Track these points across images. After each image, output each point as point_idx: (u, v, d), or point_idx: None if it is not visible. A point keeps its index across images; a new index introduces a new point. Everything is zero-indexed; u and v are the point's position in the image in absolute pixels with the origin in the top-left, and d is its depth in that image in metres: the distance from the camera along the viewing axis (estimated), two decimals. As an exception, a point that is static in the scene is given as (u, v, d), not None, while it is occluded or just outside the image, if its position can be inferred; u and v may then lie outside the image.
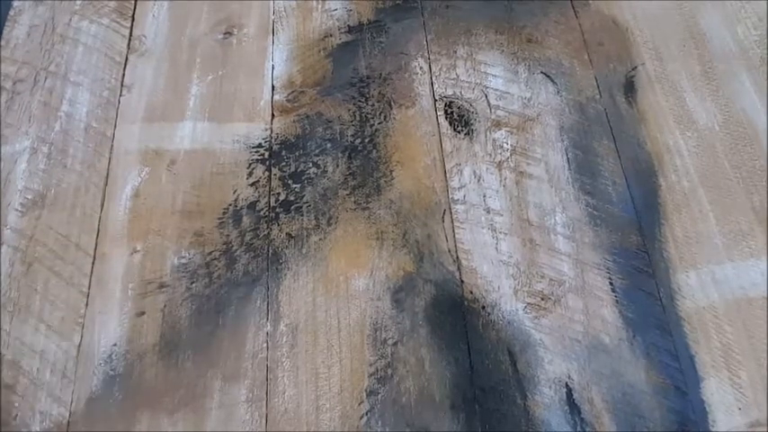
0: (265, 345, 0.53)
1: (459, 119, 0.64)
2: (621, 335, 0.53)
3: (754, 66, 0.66)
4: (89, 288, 0.55)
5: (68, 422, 0.50)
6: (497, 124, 0.63)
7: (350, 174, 0.61)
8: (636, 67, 0.66)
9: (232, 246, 0.57)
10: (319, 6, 0.71)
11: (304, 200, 0.60)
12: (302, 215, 0.59)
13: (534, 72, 0.66)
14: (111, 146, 0.63)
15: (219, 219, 0.59)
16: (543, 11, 0.70)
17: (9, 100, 0.65)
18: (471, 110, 0.64)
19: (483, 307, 0.54)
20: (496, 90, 0.65)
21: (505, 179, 0.60)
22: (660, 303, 0.54)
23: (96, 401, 0.51)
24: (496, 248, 0.57)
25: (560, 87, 0.65)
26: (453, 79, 0.66)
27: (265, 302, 0.55)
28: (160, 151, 0.62)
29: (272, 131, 0.63)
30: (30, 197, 0.60)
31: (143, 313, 0.54)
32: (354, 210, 0.59)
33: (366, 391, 0.51)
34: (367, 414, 0.50)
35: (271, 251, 0.57)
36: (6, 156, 0.62)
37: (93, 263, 0.57)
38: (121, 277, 0.56)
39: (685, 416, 0.50)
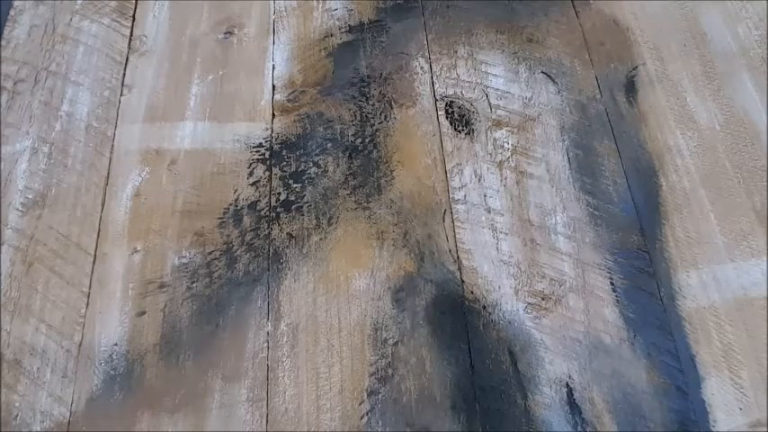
0: (266, 344, 0.53)
1: (459, 118, 0.63)
2: (622, 335, 0.53)
3: (755, 65, 0.66)
4: (89, 288, 0.55)
5: (69, 422, 0.50)
6: (498, 124, 0.63)
7: (350, 173, 0.61)
8: (637, 67, 0.66)
9: (233, 245, 0.57)
10: (320, 6, 0.71)
11: (305, 200, 0.60)
12: (303, 215, 0.59)
13: (535, 72, 0.66)
14: (112, 146, 0.63)
15: (220, 218, 0.59)
16: (544, 11, 0.70)
17: (10, 100, 0.65)
18: (472, 109, 0.64)
19: (484, 307, 0.54)
20: (497, 90, 0.65)
21: (506, 179, 0.60)
22: (661, 303, 0.54)
23: (97, 401, 0.51)
24: (497, 248, 0.57)
25: (561, 87, 0.65)
26: (454, 79, 0.66)
27: (266, 302, 0.55)
28: (161, 151, 0.62)
29: (272, 131, 0.63)
30: (30, 197, 0.60)
31: (144, 313, 0.54)
32: (355, 209, 0.59)
33: (367, 390, 0.51)
34: (368, 414, 0.50)
35: (271, 251, 0.57)
36: (7, 155, 0.62)
37: (93, 263, 0.57)
38: (122, 277, 0.56)
39: (686, 416, 0.50)
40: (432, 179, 0.60)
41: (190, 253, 0.57)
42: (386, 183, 0.60)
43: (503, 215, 0.58)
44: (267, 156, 0.62)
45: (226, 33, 0.69)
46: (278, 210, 0.59)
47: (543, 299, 0.55)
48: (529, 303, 0.54)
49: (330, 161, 0.61)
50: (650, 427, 0.50)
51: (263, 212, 0.59)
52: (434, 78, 0.66)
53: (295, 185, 0.60)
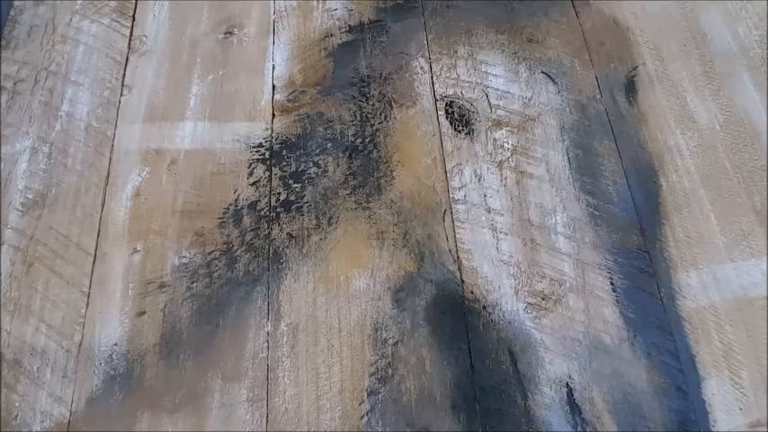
0: (266, 345, 0.53)
1: (459, 118, 0.63)
2: (622, 335, 0.53)
3: (755, 65, 0.66)
4: (89, 288, 0.55)
5: (69, 422, 0.50)
6: (498, 124, 0.63)
7: (350, 173, 0.61)
8: (637, 67, 0.66)
9: (233, 245, 0.57)
10: (320, 6, 0.71)
11: (305, 200, 0.60)
12: (303, 215, 0.59)
13: (535, 72, 0.66)
14: (112, 146, 0.62)
15: (220, 218, 0.59)
16: (544, 11, 0.70)
17: (10, 100, 0.65)
18: (472, 109, 0.64)
19: (484, 307, 0.54)
20: (497, 90, 0.65)
21: (506, 179, 0.60)
22: (661, 303, 0.54)
23: (97, 401, 0.51)
24: (497, 248, 0.57)
25: (561, 87, 0.65)
26: (454, 79, 0.66)
27: (266, 302, 0.55)
28: (161, 151, 0.62)
29: (272, 131, 0.63)
30: (30, 197, 0.60)
31: (143, 313, 0.54)
32: (355, 209, 0.59)
33: (367, 390, 0.51)
34: (368, 414, 0.50)
35: (271, 251, 0.57)
36: (7, 155, 0.62)
37: (93, 263, 0.57)
38: (122, 277, 0.56)
39: (686, 416, 0.50)
40: (432, 179, 0.60)
41: (190, 253, 0.57)
42: (386, 183, 0.60)
43: (503, 215, 0.58)
44: (267, 156, 0.62)
45: (226, 33, 0.69)
46: (278, 210, 0.59)
47: (543, 299, 0.55)
48: (529, 303, 0.54)
49: (330, 161, 0.61)
50: (650, 427, 0.50)
51: (263, 212, 0.59)
52: (434, 78, 0.66)
53: (295, 185, 0.60)
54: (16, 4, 0.71)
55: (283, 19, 0.70)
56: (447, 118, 0.64)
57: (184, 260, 0.57)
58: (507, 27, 0.69)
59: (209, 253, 0.57)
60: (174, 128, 0.63)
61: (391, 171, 0.61)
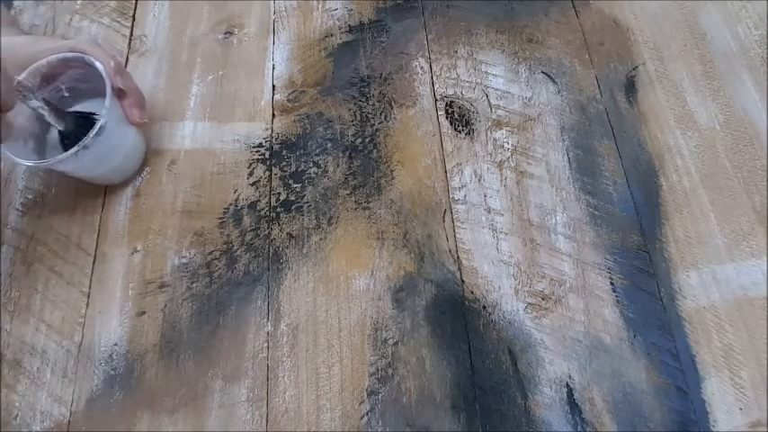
0: (266, 344, 0.53)
1: (459, 118, 0.63)
2: (622, 335, 0.53)
3: (755, 65, 0.66)
4: (90, 288, 0.55)
5: (69, 422, 0.50)
6: (498, 124, 0.63)
7: (350, 173, 0.61)
8: (637, 67, 0.66)
9: (233, 245, 0.57)
10: (320, 6, 0.71)
11: (305, 199, 0.60)
12: (303, 215, 0.59)
13: (535, 72, 0.66)
14: (112, 145, 0.62)
15: (220, 218, 0.59)
16: (544, 10, 0.70)
17: (10, 100, 0.65)
18: (472, 109, 0.64)
19: (484, 307, 0.54)
20: (497, 90, 0.65)
21: (506, 179, 0.60)
22: (661, 303, 0.54)
23: (97, 401, 0.51)
24: (497, 248, 0.57)
25: (561, 87, 0.65)
26: (454, 79, 0.66)
27: (266, 302, 0.55)
28: (161, 151, 0.62)
29: (272, 131, 0.63)
30: (30, 197, 0.60)
31: (143, 313, 0.54)
32: (355, 209, 0.59)
33: (367, 390, 0.51)
34: (368, 414, 0.50)
35: (271, 251, 0.57)
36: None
37: (93, 263, 0.57)
38: (122, 277, 0.56)
39: (686, 416, 0.50)
40: (432, 179, 0.60)
41: (190, 253, 0.57)
42: (386, 183, 0.60)
43: (503, 215, 0.58)
44: (267, 156, 0.62)
45: (226, 33, 0.69)
46: (278, 210, 0.59)
47: (543, 299, 0.55)
48: (529, 303, 0.54)
49: (330, 161, 0.61)
50: (650, 426, 0.50)
51: (263, 212, 0.59)
52: (434, 78, 0.66)
53: (295, 185, 0.60)
54: (16, 3, 0.71)
55: (283, 19, 0.70)
56: (447, 118, 0.64)
57: (184, 260, 0.57)
58: (507, 27, 0.69)
59: (209, 253, 0.57)
60: (174, 128, 0.63)
61: (391, 171, 0.61)
